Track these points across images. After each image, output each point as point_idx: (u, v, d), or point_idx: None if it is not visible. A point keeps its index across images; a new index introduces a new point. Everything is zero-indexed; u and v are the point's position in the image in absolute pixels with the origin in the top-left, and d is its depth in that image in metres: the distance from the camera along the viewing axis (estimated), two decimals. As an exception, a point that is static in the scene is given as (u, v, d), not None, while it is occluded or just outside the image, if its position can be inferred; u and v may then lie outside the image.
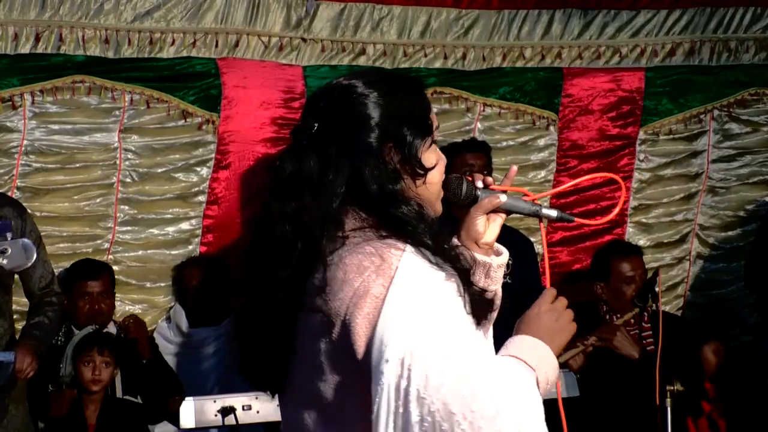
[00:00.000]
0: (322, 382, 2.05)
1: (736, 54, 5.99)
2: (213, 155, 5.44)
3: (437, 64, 5.64)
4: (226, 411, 4.15)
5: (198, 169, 5.46)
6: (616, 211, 2.53)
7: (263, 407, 4.21)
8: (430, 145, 2.23)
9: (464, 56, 5.67)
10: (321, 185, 2.11)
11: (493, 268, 2.36)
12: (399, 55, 5.58)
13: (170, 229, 5.53)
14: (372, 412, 1.95)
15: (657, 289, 4.76)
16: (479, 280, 2.32)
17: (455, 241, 2.34)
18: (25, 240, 4.64)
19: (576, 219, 2.46)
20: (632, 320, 5.18)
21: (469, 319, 2.05)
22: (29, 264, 4.67)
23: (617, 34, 5.84)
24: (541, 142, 5.89)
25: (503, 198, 2.33)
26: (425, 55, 5.62)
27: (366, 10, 5.50)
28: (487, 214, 2.36)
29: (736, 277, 6.15)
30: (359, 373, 2.00)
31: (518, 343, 2.15)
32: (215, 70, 5.33)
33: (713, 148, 6.12)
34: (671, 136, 6.06)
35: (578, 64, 5.84)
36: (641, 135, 5.99)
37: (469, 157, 5.15)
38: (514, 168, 2.48)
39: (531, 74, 5.79)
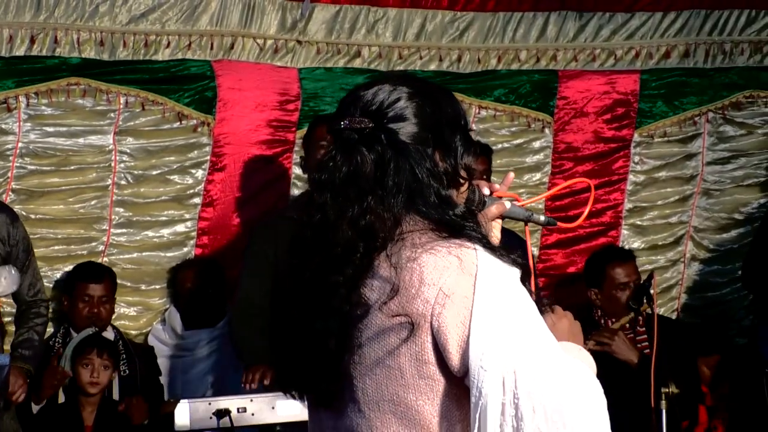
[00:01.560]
0: (401, 387, 2.04)
1: (730, 56, 6.00)
2: (208, 157, 5.45)
3: (432, 67, 5.65)
4: (221, 413, 4.15)
5: (193, 171, 5.47)
6: (586, 213, 2.67)
7: (258, 409, 4.22)
8: (472, 155, 2.27)
9: (459, 58, 5.69)
10: (381, 188, 2.11)
11: None
12: (394, 57, 5.60)
13: (165, 231, 5.53)
14: (473, 410, 1.96)
15: (652, 292, 4.77)
16: None
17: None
18: (11, 267, 4.70)
19: (558, 223, 2.61)
20: (627, 324, 5.18)
21: None
22: (15, 289, 4.73)
23: (612, 36, 5.86)
24: (536, 144, 5.89)
25: (508, 205, 2.38)
26: (420, 58, 5.64)
27: (361, 12, 5.50)
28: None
29: (730, 279, 6.15)
30: (446, 374, 2.02)
31: (565, 348, 2.16)
32: (210, 72, 5.35)
33: (708, 151, 6.13)
34: (666, 139, 6.07)
35: (573, 66, 5.86)
36: (636, 137, 6.00)
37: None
38: (511, 175, 2.52)
39: (526, 77, 5.81)
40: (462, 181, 2.21)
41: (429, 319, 2.01)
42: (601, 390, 2.03)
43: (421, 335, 2.02)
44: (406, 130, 2.16)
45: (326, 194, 2.13)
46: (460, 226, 2.11)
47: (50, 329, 5.29)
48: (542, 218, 2.53)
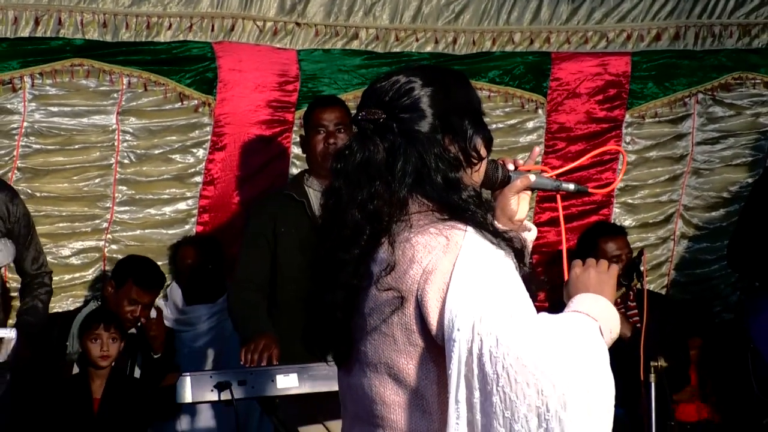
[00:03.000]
0: (395, 352, 2.21)
1: (719, 39, 6.03)
2: (209, 137, 5.46)
3: (428, 49, 5.67)
4: (222, 386, 4.14)
5: (194, 150, 5.49)
6: (619, 179, 2.80)
7: (258, 382, 4.21)
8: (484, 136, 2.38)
9: (455, 41, 5.71)
10: (390, 174, 2.25)
11: (527, 244, 2.51)
12: (391, 39, 5.62)
13: (167, 209, 5.56)
14: (447, 375, 2.10)
15: (642, 268, 4.79)
16: None
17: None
18: (6, 240, 4.71)
19: (590, 189, 2.71)
20: (618, 300, 5.20)
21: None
22: (10, 261, 4.75)
23: (604, 19, 5.88)
24: (530, 124, 5.92)
25: (533, 177, 2.52)
26: (417, 40, 5.66)
27: (359, -6, 5.54)
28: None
29: (718, 256, 6.18)
30: (431, 342, 2.17)
31: (577, 301, 2.28)
32: (211, 53, 5.36)
33: (697, 131, 6.15)
34: (657, 119, 6.09)
35: (566, 48, 5.87)
36: (627, 118, 6.02)
37: None
38: (537, 149, 2.72)
39: (520, 58, 5.83)
40: (474, 161, 2.33)
41: (415, 293, 2.16)
42: (595, 343, 2.12)
43: (408, 307, 2.17)
44: (417, 118, 2.28)
45: (341, 180, 2.30)
46: (461, 208, 2.23)
47: (83, 300, 5.39)
48: (572, 186, 2.58)
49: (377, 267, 2.22)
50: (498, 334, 2.04)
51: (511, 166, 2.51)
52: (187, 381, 4.19)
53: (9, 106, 5.15)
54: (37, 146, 5.24)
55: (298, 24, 5.46)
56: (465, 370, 2.07)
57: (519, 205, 2.52)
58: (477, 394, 2.06)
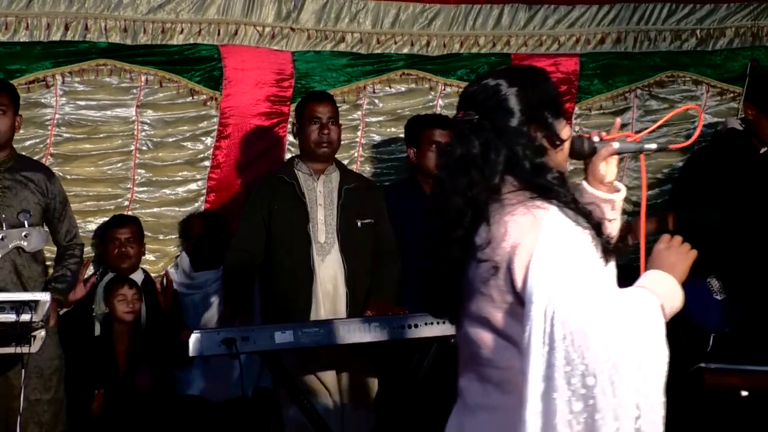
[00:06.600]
0: (493, 308, 2.30)
1: (655, 42, 6.06)
2: (216, 127, 5.48)
3: (405, 50, 5.71)
4: (228, 342, 4.17)
5: (203, 138, 5.51)
6: (696, 134, 2.86)
7: (259, 338, 4.25)
8: (563, 121, 2.48)
9: (428, 43, 5.74)
10: (485, 164, 2.34)
11: (617, 203, 2.61)
12: (373, 42, 5.64)
13: (180, 189, 5.58)
14: (524, 328, 2.19)
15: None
16: (608, 213, 2.56)
17: (589, 195, 2.58)
18: (41, 228, 4.72)
19: (670, 146, 2.81)
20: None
21: (601, 262, 2.28)
22: (42, 247, 4.76)
23: (556, 25, 5.91)
24: (494, 115, 5.92)
25: (616, 145, 2.57)
26: (395, 43, 5.69)
27: (345, 3, 5.55)
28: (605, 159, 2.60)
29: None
30: (519, 300, 2.25)
31: (649, 276, 2.36)
32: (218, 54, 5.39)
33: (636, 122, 6.17)
34: (601, 111, 6.12)
35: (524, 50, 5.90)
36: (576, 110, 6.04)
37: (437, 134, 5.15)
38: (618, 120, 2.75)
39: (484, 59, 5.84)
40: (558, 143, 2.42)
41: (506, 263, 2.27)
42: (654, 318, 2.18)
43: (501, 274, 2.28)
44: (505, 115, 2.37)
45: (444, 172, 2.41)
46: (546, 188, 2.31)
47: (90, 269, 5.37)
48: (654, 146, 2.62)
49: (478, 241, 2.31)
50: (567, 304, 2.13)
51: (596, 138, 2.57)
52: (198, 337, 4.23)
53: (43, 100, 5.18)
54: (67, 135, 5.27)
55: (292, 29, 5.48)
56: (538, 327, 2.16)
57: (608, 169, 2.58)
58: (545, 348, 2.15)
